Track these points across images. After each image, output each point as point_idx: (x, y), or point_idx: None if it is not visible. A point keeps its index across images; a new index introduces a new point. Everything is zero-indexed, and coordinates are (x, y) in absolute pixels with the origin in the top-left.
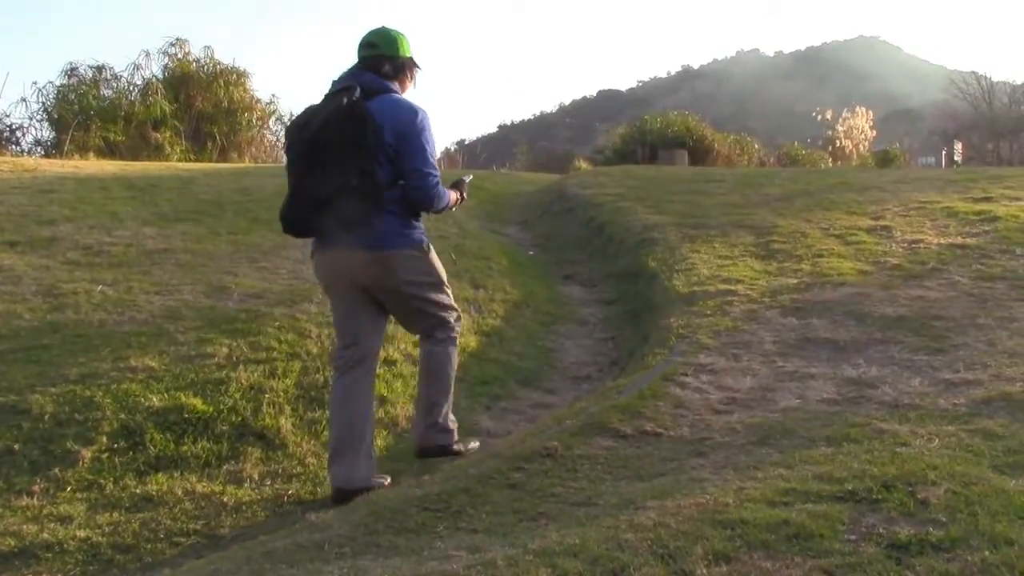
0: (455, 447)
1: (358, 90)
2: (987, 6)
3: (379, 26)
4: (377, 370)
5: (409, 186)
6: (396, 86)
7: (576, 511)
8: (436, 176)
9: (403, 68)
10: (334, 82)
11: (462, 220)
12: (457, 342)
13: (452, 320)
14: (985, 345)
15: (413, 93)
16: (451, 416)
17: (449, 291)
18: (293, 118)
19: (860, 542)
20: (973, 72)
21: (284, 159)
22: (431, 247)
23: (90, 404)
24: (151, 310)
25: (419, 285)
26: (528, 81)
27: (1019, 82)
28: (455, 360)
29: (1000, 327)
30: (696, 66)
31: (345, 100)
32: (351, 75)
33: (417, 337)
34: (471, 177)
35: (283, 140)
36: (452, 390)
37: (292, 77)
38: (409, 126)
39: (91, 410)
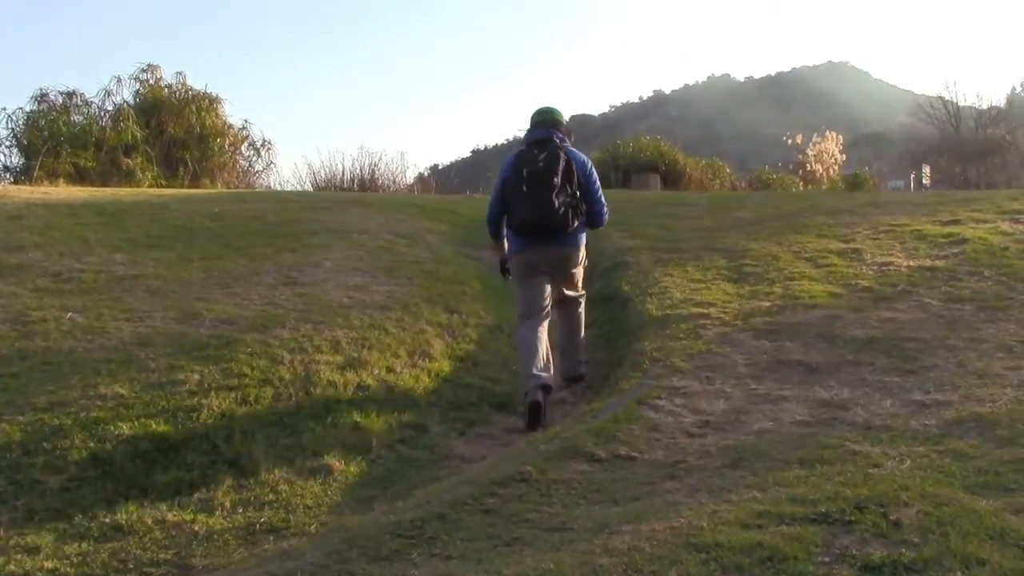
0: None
1: (557, 143)
2: (953, 32)
3: (545, 106)
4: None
5: (592, 211)
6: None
7: (551, 536)
8: (606, 206)
9: (568, 129)
10: (532, 132)
11: (436, 245)
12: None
13: (584, 295)
14: (955, 366)
15: None
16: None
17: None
18: (520, 158)
19: (834, 564)
20: (940, 97)
21: (508, 183)
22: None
23: (59, 432)
24: (121, 337)
25: (580, 270)
26: (500, 106)
27: (985, 107)
28: (586, 317)
29: (969, 348)
30: (667, 91)
31: (562, 149)
32: (547, 132)
33: (397, 360)
34: None
35: (497, 185)
36: (584, 334)
37: (265, 102)
38: (589, 172)
39: (60, 439)
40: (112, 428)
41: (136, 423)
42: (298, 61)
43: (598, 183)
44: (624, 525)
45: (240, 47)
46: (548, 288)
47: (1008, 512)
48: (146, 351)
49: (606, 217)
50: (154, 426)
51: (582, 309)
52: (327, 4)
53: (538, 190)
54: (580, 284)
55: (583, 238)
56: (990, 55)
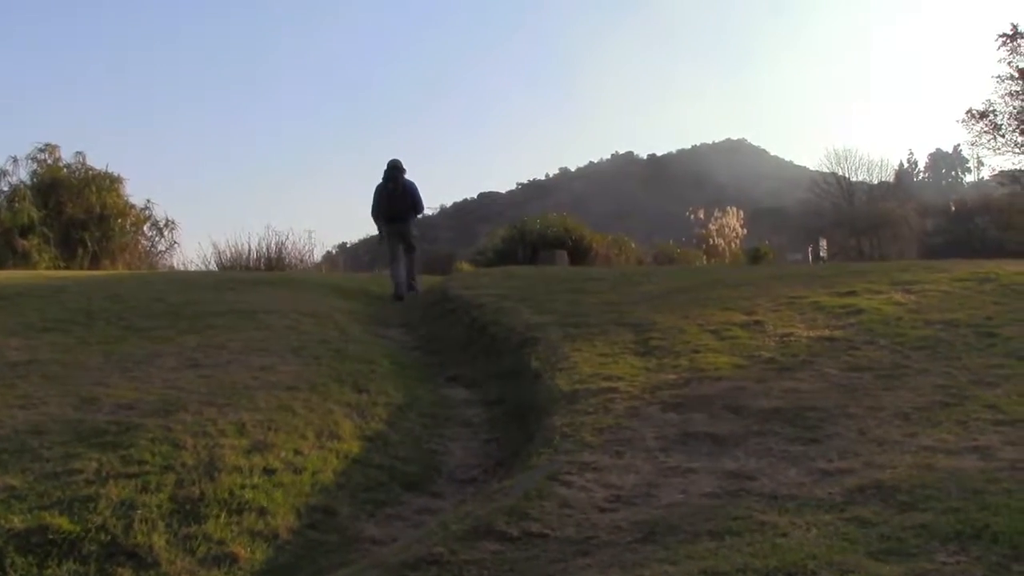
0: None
1: (400, 177)
2: (844, 111)
3: (394, 158)
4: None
5: (416, 207)
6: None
7: None
8: (422, 203)
9: (404, 168)
10: (387, 174)
11: (344, 324)
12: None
13: (417, 251)
14: (856, 434)
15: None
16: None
17: None
18: (385, 186)
19: None
20: (833, 173)
21: (374, 203)
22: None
23: None
24: (14, 425)
25: (414, 237)
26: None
27: (876, 182)
28: (418, 265)
29: (869, 416)
30: (573, 168)
31: (402, 180)
32: (395, 173)
33: (305, 441)
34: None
35: (374, 198)
36: (420, 271)
37: (170, 180)
38: (417, 192)
39: None
40: (2, 522)
41: (29, 515)
42: (205, 140)
43: (420, 195)
44: None
45: (143, 125)
46: (400, 246)
47: None
48: (40, 439)
49: (422, 208)
50: (48, 518)
51: (415, 257)
52: (231, 82)
53: (394, 201)
54: (415, 244)
55: (413, 220)
56: (879, 133)
